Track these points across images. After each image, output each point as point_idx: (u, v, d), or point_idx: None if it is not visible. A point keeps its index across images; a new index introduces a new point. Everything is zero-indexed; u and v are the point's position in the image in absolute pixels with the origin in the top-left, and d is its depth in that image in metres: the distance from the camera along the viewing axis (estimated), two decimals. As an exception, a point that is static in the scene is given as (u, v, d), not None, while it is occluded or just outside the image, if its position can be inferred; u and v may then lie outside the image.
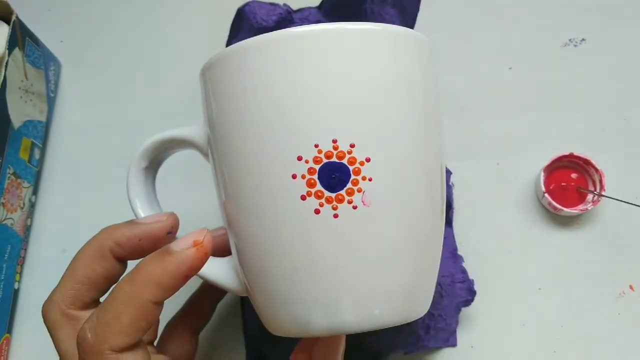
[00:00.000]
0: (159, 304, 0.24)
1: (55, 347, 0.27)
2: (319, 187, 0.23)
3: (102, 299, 0.28)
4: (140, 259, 0.27)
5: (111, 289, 0.25)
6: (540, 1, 0.42)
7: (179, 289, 0.24)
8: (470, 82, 0.41)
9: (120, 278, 0.26)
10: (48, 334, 0.30)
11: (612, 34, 0.41)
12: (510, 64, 0.41)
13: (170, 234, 0.27)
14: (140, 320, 0.23)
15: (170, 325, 0.31)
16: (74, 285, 0.26)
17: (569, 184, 0.38)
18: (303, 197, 0.23)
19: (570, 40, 0.41)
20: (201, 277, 0.28)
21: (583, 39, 0.41)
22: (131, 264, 0.28)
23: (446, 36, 0.41)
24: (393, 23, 0.36)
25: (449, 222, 0.37)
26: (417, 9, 0.38)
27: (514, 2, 0.42)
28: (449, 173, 0.38)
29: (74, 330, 0.26)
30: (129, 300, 0.23)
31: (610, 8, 0.42)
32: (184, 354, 0.31)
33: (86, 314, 0.27)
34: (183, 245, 0.24)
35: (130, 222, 0.27)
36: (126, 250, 0.27)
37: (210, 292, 0.33)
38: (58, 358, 0.27)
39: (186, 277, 0.24)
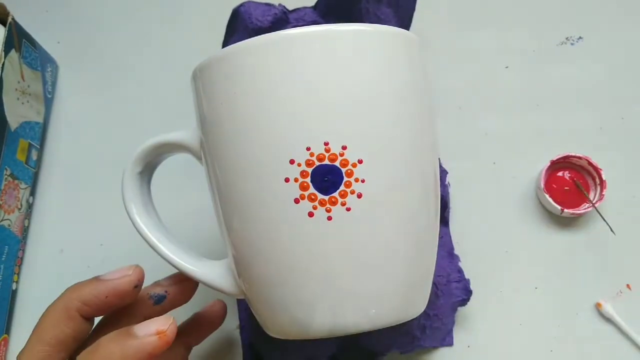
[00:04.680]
0: None
1: None
2: (312, 190, 0.23)
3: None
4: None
5: None
6: (537, 0, 0.42)
7: None
8: (466, 81, 0.41)
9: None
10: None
11: (609, 33, 0.41)
12: (507, 63, 0.41)
13: (137, 287, 0.27)
14: None
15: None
16: (42, 348, 0.26)
17: (571, 185, 0.37)
18: (296, 201, 0.23)
19: (567, 38, 0.41)
20: (199, 281, 0.28)
21: (580, 38, 0.41)
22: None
23: (443, 35, 0.41)
24: (389, 23, 0.36)
25: (445, 222, 0.37)
26: (413, 9, 0.38)
27: (510, 1, 0.42)
28: (445, 172, 0.38)
29: None
30: None
31: (607, 6, 0.42)
32: None
33: None
34: (147, 332, 0.24)
35: (96, 280, 0.27)
36: (93, 308, 0.27)
37: (211, 315, 0.32)
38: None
39: None
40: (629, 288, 0.36)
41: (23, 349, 0.26)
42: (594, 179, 0.37)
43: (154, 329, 0.24)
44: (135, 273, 0.27)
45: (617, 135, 0.39)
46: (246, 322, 0.36)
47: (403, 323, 0.26)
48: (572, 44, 0.41)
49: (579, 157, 0.37)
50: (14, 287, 0.38)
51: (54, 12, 0.44)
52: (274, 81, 0.23)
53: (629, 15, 0.41)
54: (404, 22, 0.38)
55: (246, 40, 0.23)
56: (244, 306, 0.36)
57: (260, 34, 0.24)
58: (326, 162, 0.23)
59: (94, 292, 0.26)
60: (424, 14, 0.39)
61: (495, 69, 0.41)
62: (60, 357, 0.26)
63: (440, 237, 0.36)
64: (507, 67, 0.41)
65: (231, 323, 0.37)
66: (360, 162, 0.23)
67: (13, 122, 0.37)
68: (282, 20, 0.36)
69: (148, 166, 0.28)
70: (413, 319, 0.29)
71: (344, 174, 0.23)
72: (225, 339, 0.37)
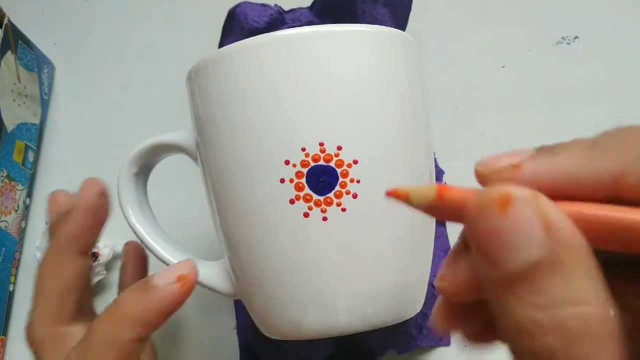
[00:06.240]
0: (143, 341, 0.23)
1: None
2: (307, 190, 0.23)
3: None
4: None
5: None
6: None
7: (163, 324, 0.23)
8: (463, 81, 0.41)
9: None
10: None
11: (605, 32, 0.41)
12: (504, 63, 0.41)
13: (103, 195, 0.25)
14: None
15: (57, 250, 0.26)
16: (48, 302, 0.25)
17: None
18: (292, 201, 0.23)
19: (563, 38, 0.41)
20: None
21: (576, 37, 0.41)
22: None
23: (439, 35, 0.41)
24: (385, 23, 0.36)
25: (442, 222, 0.37)
26: (409, 9, 0.38)
27: (506, 1, 0.42)
28: (441, 172, 0.38)
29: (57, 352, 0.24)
30: (110, 342, 0.22)
31: (603, 6, 0.42)
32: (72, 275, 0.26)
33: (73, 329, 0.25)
34: (167, 280, 0.23)
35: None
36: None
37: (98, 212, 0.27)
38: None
39: (171, 313, 0.23)
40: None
41: (30, 311, 0.25)
42: None
43: (174, 276, 0.23)
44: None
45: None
46: (243, 323, 0.36)
47: (400, 323, 0.26)
48: (568, 43, 0.41)
49: None
50: (11, 289, 0.38)
51: (50, 14, 0.44)
52: (269, 82, 0.23)
53: (625, 14, 0.41)
54: (400, 22, 0.38)
55: (241, 41, 0.23)
56: (240, 307, 0.36)
57: (256, 35, 0.24)
58: (321, 162, 0.23)
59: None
60: (419, 14, 0.39)
61: (491, 69, 0.41)
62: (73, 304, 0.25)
63: (437, 237, 0.36)
64: (503, 67, 0.41)
65: (228, 323, 0.37)
66: (355, 162, 0.23)
67: (9, 123, 0.37)
68: (278, 20, 0.36)
69: (144, 167, 0.28)
70: (410, 319, 0.29)
71: (339, 175, 0.23)
72: (222, 339, 0.37)
